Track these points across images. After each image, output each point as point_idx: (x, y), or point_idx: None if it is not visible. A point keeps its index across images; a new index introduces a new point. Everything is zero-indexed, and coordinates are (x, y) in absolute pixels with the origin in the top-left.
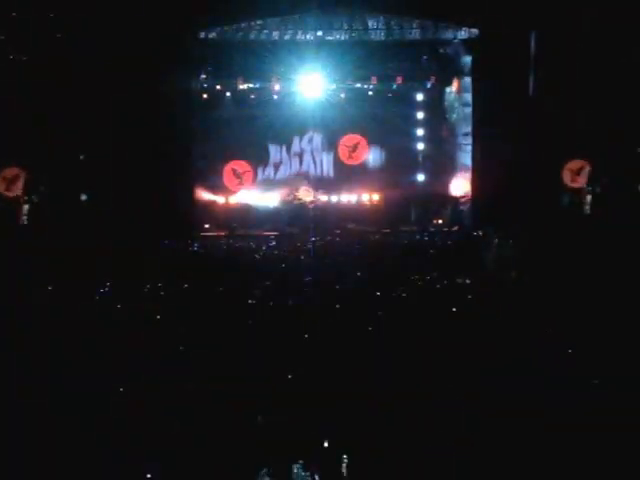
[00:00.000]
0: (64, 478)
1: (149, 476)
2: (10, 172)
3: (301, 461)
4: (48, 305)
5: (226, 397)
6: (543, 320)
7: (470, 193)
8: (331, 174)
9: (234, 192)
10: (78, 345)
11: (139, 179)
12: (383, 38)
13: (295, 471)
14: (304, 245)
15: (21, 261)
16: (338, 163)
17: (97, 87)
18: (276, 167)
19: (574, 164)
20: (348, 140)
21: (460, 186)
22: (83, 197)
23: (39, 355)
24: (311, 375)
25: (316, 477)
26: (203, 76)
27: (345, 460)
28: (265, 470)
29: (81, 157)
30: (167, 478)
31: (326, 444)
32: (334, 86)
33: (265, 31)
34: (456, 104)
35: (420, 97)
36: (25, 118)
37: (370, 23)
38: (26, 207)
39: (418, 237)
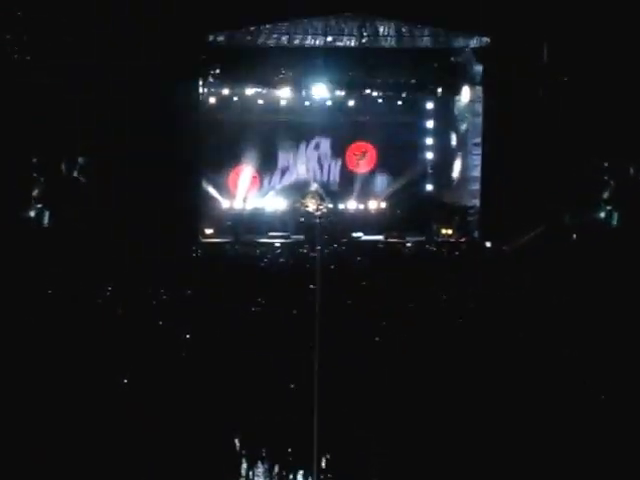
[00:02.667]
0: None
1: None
2: None
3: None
4: (47, 308)
5: (229, 404)
6: (549, 332)
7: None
8: (338, 181)
9: (237, 196)
10: (81, 348)
11: (144, 183)
12: (394, 45)
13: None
14: (310, 253)
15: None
16: (345, 170)
17: (104, 91)
18: (283, 173)
19: (357, 148)
20: (356, 148)
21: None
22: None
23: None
24: (315, 382)
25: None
26: (211, 80)
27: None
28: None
29: (87, 160)
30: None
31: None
32: (343, 93)
33: (274, 36)
34: (466, 113)
35: (430, 106)
36: (35, 122)
37: (381, 29)
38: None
39: (426, 247)
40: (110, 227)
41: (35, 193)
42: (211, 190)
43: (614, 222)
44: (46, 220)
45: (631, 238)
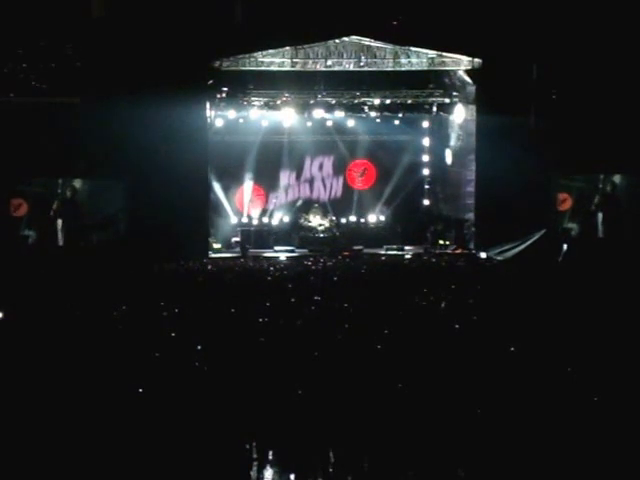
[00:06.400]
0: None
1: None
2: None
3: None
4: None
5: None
6: (543, 343)
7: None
8: (340, 198)
9: (244, 212)
10: (98, 360)
11: (153, 202)
12: (390, 67)
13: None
14: (314, 266)
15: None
16: (346, 186)
17: (112, 113)
18: (287, 190)
19: (358, 165)
20: (356, 165)
21: None
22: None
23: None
24: (318, 391)
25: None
26: (218, 103)
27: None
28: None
29: (102, 180)
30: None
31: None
32: (343, 113)
33: (277, 60)
34: (460, 131)
35: (426, 124)
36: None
37: (378, 53)
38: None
39: (425, 258)
40: (125, 243)
41: (52, 212)
42: (219, 207)
43: (604, 232)
44: (61, 238)
45: (620, 247)
